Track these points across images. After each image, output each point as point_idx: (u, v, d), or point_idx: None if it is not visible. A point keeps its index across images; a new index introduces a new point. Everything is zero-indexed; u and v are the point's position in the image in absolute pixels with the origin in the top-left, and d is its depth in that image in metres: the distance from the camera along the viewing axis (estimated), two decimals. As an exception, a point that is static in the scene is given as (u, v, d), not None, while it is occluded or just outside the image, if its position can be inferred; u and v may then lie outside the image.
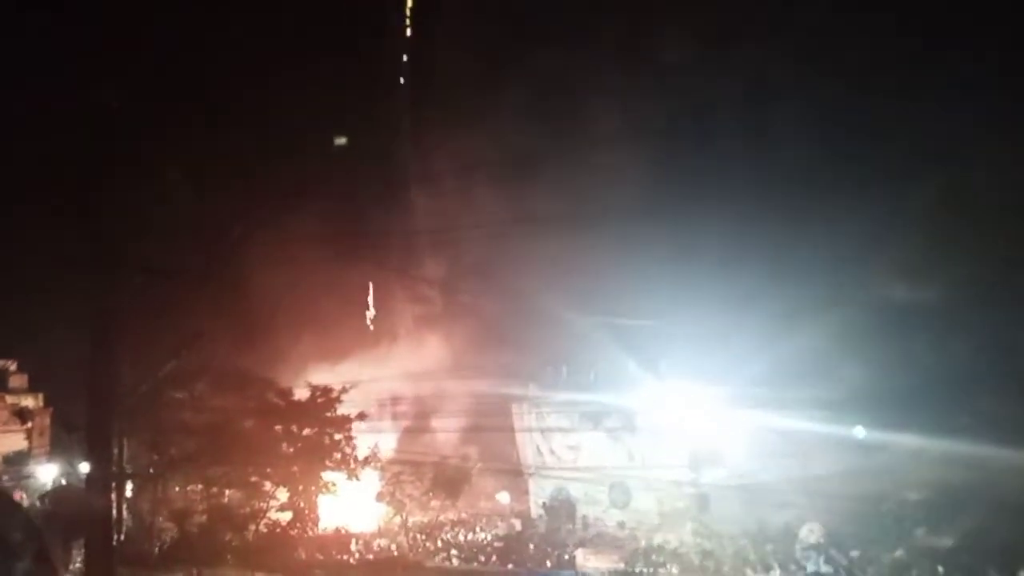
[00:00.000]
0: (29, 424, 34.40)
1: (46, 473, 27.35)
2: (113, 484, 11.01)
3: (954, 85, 24.51)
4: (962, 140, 23.51)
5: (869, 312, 20.67)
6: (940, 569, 18.57)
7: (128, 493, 18.21)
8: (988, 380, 18.80)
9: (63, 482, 21.85)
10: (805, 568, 20.10)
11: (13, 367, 36.25)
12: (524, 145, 32.96)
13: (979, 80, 24.45)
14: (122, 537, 16.18)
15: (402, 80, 41.71)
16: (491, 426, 28.95)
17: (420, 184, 36.65)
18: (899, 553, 20.78)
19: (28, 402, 35.63)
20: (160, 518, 20.14)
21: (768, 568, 20.75)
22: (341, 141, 37.90)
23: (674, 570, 20.38)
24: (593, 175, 31.13)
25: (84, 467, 11.24)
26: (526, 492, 32.43)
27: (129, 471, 14.78)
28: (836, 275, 24.30)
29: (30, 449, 32.10)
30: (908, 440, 21.68)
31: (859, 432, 23.53)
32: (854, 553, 21.38)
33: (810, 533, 23.80)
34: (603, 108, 32.96)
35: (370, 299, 36.96)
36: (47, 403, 35.05)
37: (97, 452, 10.36)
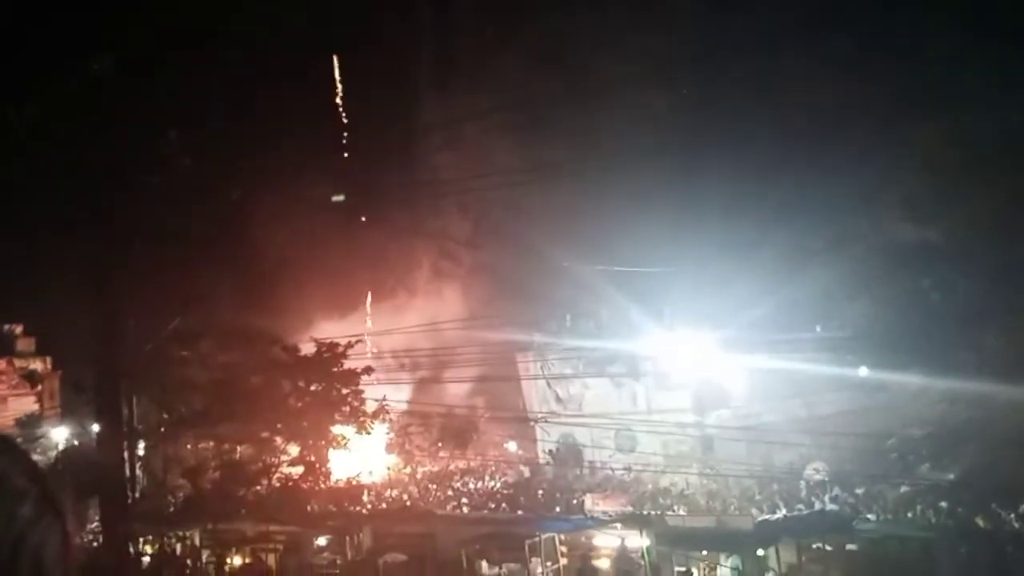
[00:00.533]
0: (39, 387, 34.72)
1: (58, 435, 27.69)
2: (124, 443, 11.10)
3: (955, 29, 24.04)
4: (967, 84, 23.17)
5: (873, 253, 20.58)
6: (943, 504, 18.79)
7: (140, 452, 18.42)
8: (991, 318, 18.80)
9: (75, 443, 22.06)
10: (812, 506, 20.36)
11: (19, 331, 36.44)
12: (526, 96, 32.54)
13: (982, 25, 23.98)
14: (137, 495, 16.42)
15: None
16: (497, 376, 29.08)
17: (424, 136, 36.21)
18: (903, 489, 21.03)
19: (36, 365, 35.91)
20: (173, 475, 20.37)
21: (774, 507, 21.02)
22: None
23: (681, 511, 20.68)
24: (595, 124, 30.77)
25: (95, 428, 11.32)
26: (534, 440, 32.81)
27: (140, 430, 14.92)
28: (839, 216, 24.15)
29: (41, 412, 32.40)
30: (911, 378, 21.77)
31: (863, 372, 23.65)
32: (859, 490, 21.64)
33: (815, 472, 24.13)
34: (605, 56, 32.44)
35: (374, 253, 36.84)
36: (55, 366, 35.32)
37: (106, 412, 10.43)
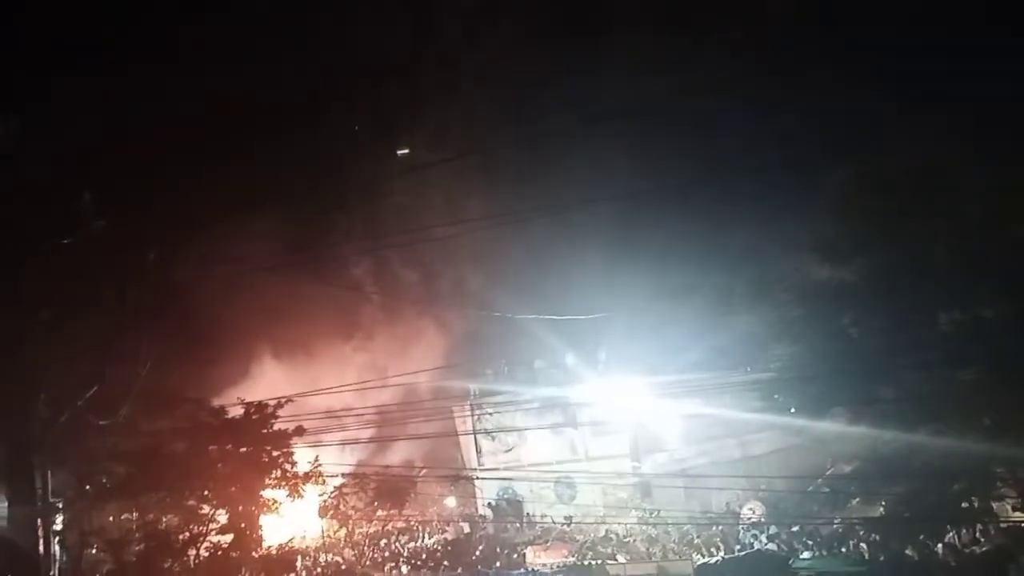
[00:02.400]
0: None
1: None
2: (39, 519, 10.55)
3: (869, 71, 25.40)
4: (876, 126, 24.41)
5: (792, 294, 21.25)
6: (875, 537, 19.23)
7: (57, 527, 17.50)
8: (907, 352, 19.54)
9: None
10: (750, 546, 20.58)
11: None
12: (458, 143, 32.76)
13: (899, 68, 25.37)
14: (55, 573, 15.55)
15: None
16: (434, 433, 28.77)
17: (353, 184, 35.91)
18: (836, 524, 21.45)
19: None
20: (93, 549, 19.40)
21: (713, 550, 21.19)
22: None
23: (622, 559, 20.62)
24: (530, 172, 31.15)
25: (4, 505, 10.76)
26: (472, 495, 32.43)
27: (55, 504, 14.19)
28: (763, 260, 24.94)
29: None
30: (838, 415, 22.39)
31: (792, 412, 24.20)
32: (795, 528, 21.99)
33: (751, 512, 24.45)
34: (539, 103, 32.95)
35: (300, 307, 36.25)
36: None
37: (17, 489, 9.93)
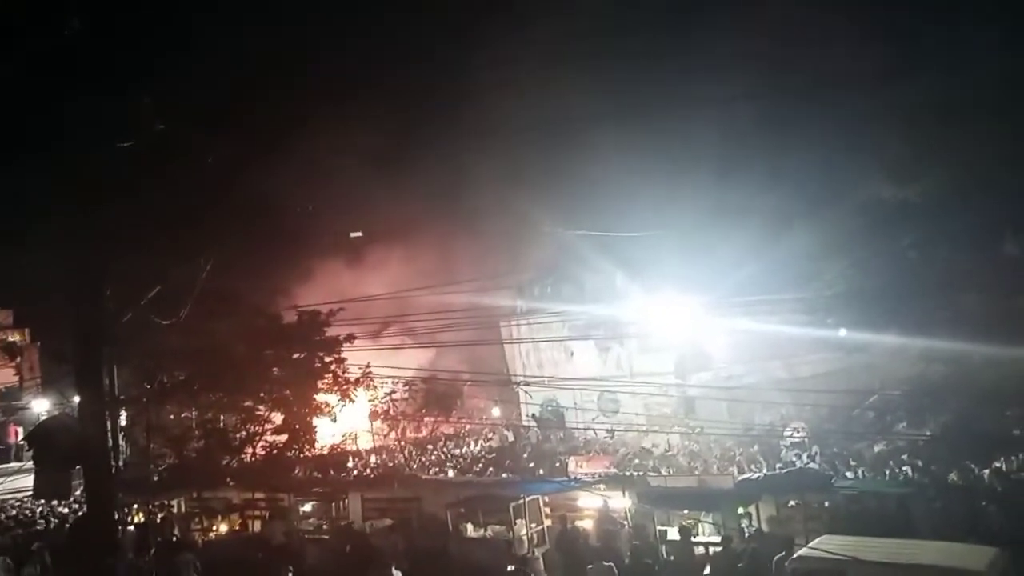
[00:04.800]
0: (18, 359, 34.49)
1: (40, 406, 27.55)
2: (106, 412, 11.05)
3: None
4: (952, 42, 23.19)
5: (855, 214, 20.71)
6: (919, 461, 19.15)
7: (123, 421, 18.36)
8: (969, 276, 19.04)
9: (55, 414, 21.94)
10: (791, 465, 20.69)
11: (-6, 302, 36.11)
12: (510, 46, 31.98)
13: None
14: (121, 464, 16.39)
15: None
16: (481, 341, 29.08)
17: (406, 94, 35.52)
18: (879, 448, 21.41)
19: (15, 338, 35.64)
20: (157, 444, 20.36)
21: (755, 468, 21.35)
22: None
23: (663, 472, 20.93)
24: (579, 79, 30.40)
25: (76, 398, 11.27)
26: (517, 405, 33.06)
27: (121, 399, 14.84)
28: (822, 177, 24.22)
29: (21, 383, 32.23)
30: (890, 338, 22.06)
31: (842, 333, 23.90)
32: (837, 449, 22.00)
33: (794, 432, 24.49)
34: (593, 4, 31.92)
35: (356, 214, 36.52)
36: (33, 338, 35.05)
37: (87, 382, 10.37)
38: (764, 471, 19.68)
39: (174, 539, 19.55)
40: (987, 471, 17.59)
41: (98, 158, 9.93)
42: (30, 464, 16.45)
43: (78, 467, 11.99)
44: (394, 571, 14.21)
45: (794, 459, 21.28)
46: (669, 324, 27.84)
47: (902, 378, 23.33)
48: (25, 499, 24.27)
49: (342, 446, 22.63)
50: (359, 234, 33.16)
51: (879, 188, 20.21)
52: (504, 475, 22.71)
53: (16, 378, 33.21)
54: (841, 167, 23.78)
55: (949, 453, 19.03)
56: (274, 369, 20.27)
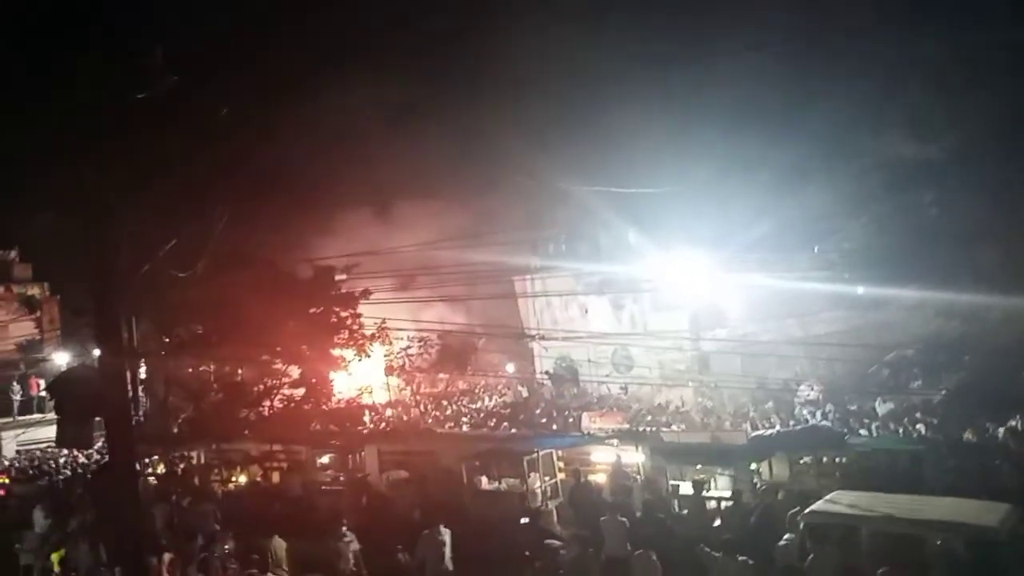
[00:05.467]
0: (38, 313, 34.93)
1: (60, 359, 27.98)
2: (125, 364, 11.19)
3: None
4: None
5: (873, 169, 20.40)
6: (934, 420, 19.16)
7: (142, 375, 18.60)
8: (988, 233, 18.79)
9: (75, 366, 22.29)
10: (805, 422, 20.75)
11: (15, 256, 36.42)
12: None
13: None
14: (140, 417, 16.65)
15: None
16: (495, 295, 29.08)
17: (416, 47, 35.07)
18: (893, 405, 21.40)
19: (35, 291, 36.04)
20: (175, 398, 20.65)
21: (768, 425, 21.42)
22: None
23: (676, 428, 21.04)
24: (589, 33, 29.90)
25: (96, 351, 11.42)
26: (531, 361, 33.22)
27: (140, 351, 15.01)
28: (837, 133, 23.81)
29: (41, 336, 32.69)
30: (907, 296, 21.90)
31: (860, 291, 23.76)
32: (852, 407, 22.02)
33: (809, 389, 24.51)
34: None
35: (372, 170, 36.39)
36: (52, 291, 35.45)
37: (105, 334, 10.48)
38: (778, 428, 19.75)
39: (194, 489, 19.94)
40: (1002, 429, 17.58)
41: (111, 110, 9.90)
42: (51, 415, 16.81)
43: (99, 419, 12.25)
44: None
45: (808, 416, 21.33)
46: (683, 281, 27.70)
47: (918, 335, 23.22)
48: (48, 448, 24.82)
49: (358, 400, 22.85)
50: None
51: (899, 144, 19.85)
52: (518, 430, 22.90)
53: (36, 331, 33.69)
54: (860, 121, 23.37)
55: (963, 411, 19.02)
56: (290, 323, 20.43)
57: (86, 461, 23.26)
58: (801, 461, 16.37)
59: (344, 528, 13.94)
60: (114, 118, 10.16)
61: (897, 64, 21.83)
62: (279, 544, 13.78)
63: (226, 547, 13.58)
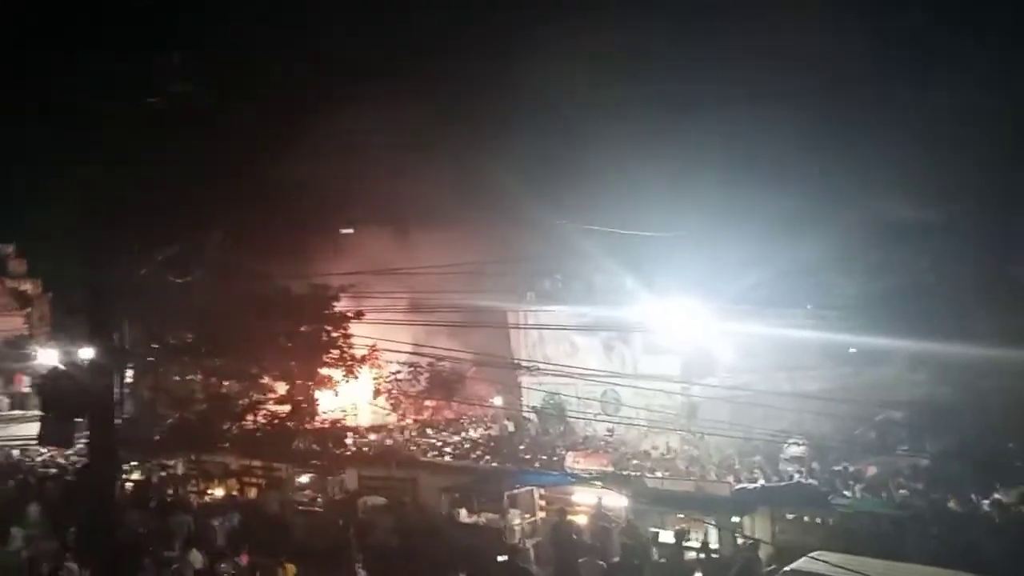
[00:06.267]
0: (28, 308, 34.78)
1: (48, 356, 27.72)
2: (113, 367, 11.13)
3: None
4: (967, 57, 22.92)
5: (866, 226, 20.57)
6: (919, 485, 19.07)
7: (128, 379, 18.41)
8: (982, 296, 18.89)
9: (61, 366, 22.13)
10: (790, 478, 20.64)
11: (11, 252, 36.37)
12: (510, 40, 31.76)
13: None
14: (123, 421, 16.46)
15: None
16: (488, 324, 29.02)
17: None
18: (878, 469, 21.30)
19: (27, 287, 35.92)
20: (160, 404, 20.46)
21: (753, 477, 21.30)
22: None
23: (659, 474, 20.90)
24: (585, 77, 30.20)
25: (84, 351, 11.36)
26: (520, 397, 33.05)
27: (129, 354, 14.90)
28: (834, 187, 24.01)
29: (31, 332, 32.48)
30: (899, 357, 21.94)
31: (850, 350, 23.79)
32: (837, 467, 21.91)
33: (795, 446, 24.40)
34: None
35: (373, 193, 36.47)
36: (46, 288, 35.34)
37: (97, 334, 10.43)
38: (762, 482, 19.64)
39: (170, 499, 19.70)
40: (986, 501, 17.49)
41: (122, 114, 9.94)
42: (33, 412, 16.62)
43: (80, 419, 12.15)
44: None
45: (793, 473, 21.21)
46: (676, 326, 27.70)
47: (908, 398, 23.22)
48: (29, 446, 24.52)
49: (342, 421, 22.69)
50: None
51: (897, 207, 20.05)
52: (501, 464, 22.73)
53: (25, 326, 33.49)
54: (853, 175, 23.56)
55: (949, 479, 18.95)
56: (280, 339, 20.32)
57: (64, 461, 22.96)
58: (784, 517, 16.27)
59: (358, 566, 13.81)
60: (124, 121, 10.22)
61: (893, 121, 22.10)
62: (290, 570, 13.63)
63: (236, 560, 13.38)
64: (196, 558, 13.53)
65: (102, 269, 10.24)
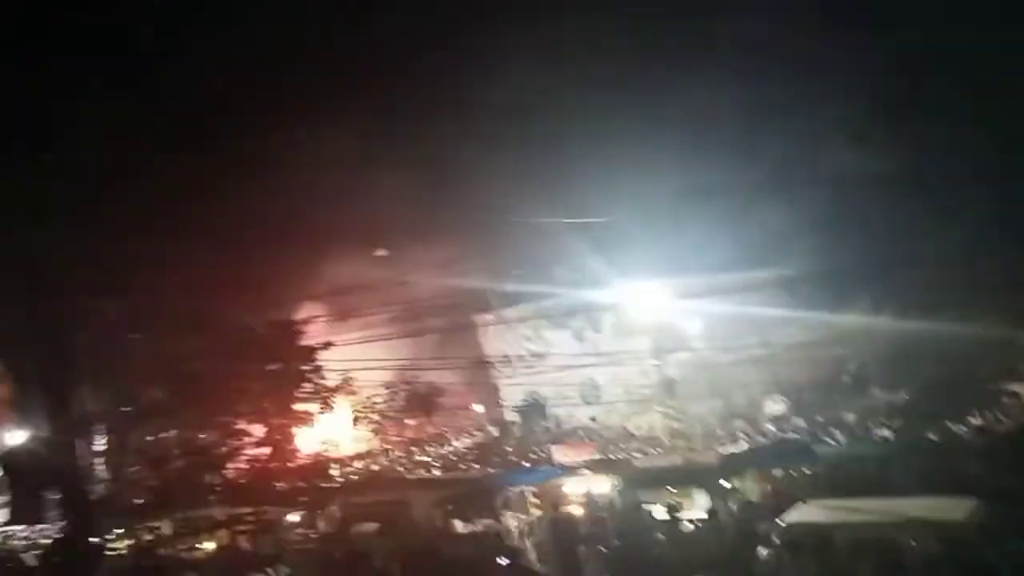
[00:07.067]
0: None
1: (11, 438, 27.00)
2: (76, 436, 10.88)
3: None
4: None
5: (825, 188, 20.84)
6: (899, 422, 19.44)
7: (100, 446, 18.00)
8: (943, 251, 19.32)
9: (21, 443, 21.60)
10: (774, 436, 20.91)
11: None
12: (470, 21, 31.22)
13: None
14: (102, 488, 16.10)
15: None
16: (459, 339, 28.96)
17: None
18: (857, 414, 21.65)
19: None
20: (138, 467, 20.05)
21: (736, 441, 21.55)
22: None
23: (647, 452, 21.06)
24: (544, 57, 29.87)
25: (44, 424, 11.09)
26: (499, 400, 33.00)
27: (93, 419, 14.59)
28: (789, 151, 24.18)
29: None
30: (863, 309, 22.33)
31: (817, 306, 24.12)
32: (818, 418, 22.22)
33: (774, 404, 24.72)
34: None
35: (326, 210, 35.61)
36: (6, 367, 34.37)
37: (55, 404, 10.19)
38: (747, 444, 19.88)
39: (163, 563, 19.27)
40: (964, 428, 17.89)
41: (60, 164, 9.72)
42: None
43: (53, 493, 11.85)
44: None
45: (775, 430, 21.50)
46: (643, 305, 27.85)
47: (878, 346, 23.64)
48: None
49: (325, 453, 22.47)
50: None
51: (846, 161, 20.34)
52: (489, 470, 22.71)
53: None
54: (813, 140, 23.76)
55: (925, 413, 19.33)
56: (250, 382, 20.08)
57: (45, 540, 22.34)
58: (773, 475, 16.47)
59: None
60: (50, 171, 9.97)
61: (846, 83, 22.30)
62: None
63: None
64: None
65: (50, 337, 10.00)
